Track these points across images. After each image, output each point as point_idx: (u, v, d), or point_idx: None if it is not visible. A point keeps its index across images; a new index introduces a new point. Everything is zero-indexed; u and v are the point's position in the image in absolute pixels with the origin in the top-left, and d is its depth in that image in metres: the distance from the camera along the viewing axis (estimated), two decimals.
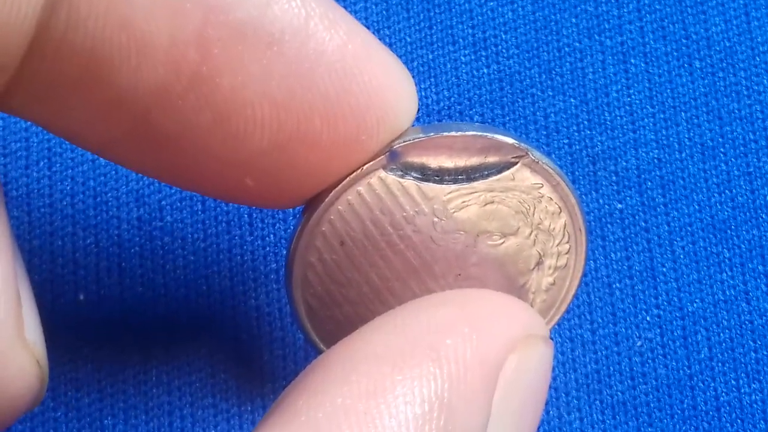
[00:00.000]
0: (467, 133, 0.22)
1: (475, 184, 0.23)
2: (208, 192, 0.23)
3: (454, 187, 0.23)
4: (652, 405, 0.27)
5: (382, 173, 0.22)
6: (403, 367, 0.19)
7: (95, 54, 0.19)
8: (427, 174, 0.23)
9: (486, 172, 0.23)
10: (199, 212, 0.27)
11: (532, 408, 0.21)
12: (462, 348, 0.19)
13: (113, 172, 0.27)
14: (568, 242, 0.24)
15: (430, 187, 0.23)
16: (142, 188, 0.27)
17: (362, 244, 0.23)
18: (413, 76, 0.27)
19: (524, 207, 0.23)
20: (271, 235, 0.27)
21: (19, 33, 0.19)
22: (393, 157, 0.22)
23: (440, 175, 0.23)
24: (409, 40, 0.28)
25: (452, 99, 0.28)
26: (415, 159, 0.23)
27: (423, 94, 0.28)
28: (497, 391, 0.19)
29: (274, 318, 0.27)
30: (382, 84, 0.21)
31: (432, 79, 0.28)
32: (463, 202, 0.23)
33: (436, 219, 0.23)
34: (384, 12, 0.28)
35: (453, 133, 0.22)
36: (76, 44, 0.19)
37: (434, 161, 0.23)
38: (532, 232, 0.24)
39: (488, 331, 0.20)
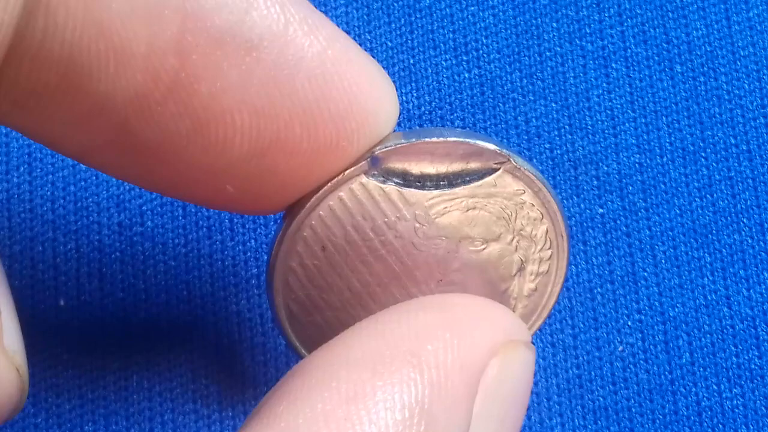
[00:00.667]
0: (449, 138, 0.22)
1: (457, 189, 0.23)
2: (188, 198, 0.23)
3: (435, 192, 0.23)
4: (633, 410, 0.27)
5: (363, 179, 0.22)
6: (383, 373, 0.19)
7: (73, 62, 0.19)
8: (408, 180, 0.23)
9: (468, 178, 0.23)
10: (180, 218, 0.27)
11: (514, 413, 0.21)
12: (443, 353, 0.19)
13: (93, 178, 0.27)
14: (550, 248, 0.24)
15: (412, 193, 0.23)
16: (123, 193, 0.27)
17: (343, 249, 0.23)
18: (394, 81, 0.27)
19: (506, 213, 0.23)
20: (252, 241, 0.27)
21: None
22: (374, 163, 0.22)
23: (422, 181, 0.23)
24: (390, 44, 0.28)
25: (433, 104, 0.28)
26: (397, 165, 0.23)
27: (404, 98, 0.28)
28: (478, 397, 0.19)
29: (255, 324, 0.27)
30: (363, 90, 0.20)
31: (413, 84, 0.28)
32: (445, 207, 0.23)
33: (417, 225, 0.23)
34: (365, 17, 0.28)
35: (434, 139, 0.22)
36: (54, 52, 0.19)
37: (416, 167, 0.23)
38: (514, 238, 0.24)
39: (469, 336, 0.20)
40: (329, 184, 0.22)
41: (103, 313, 0.27)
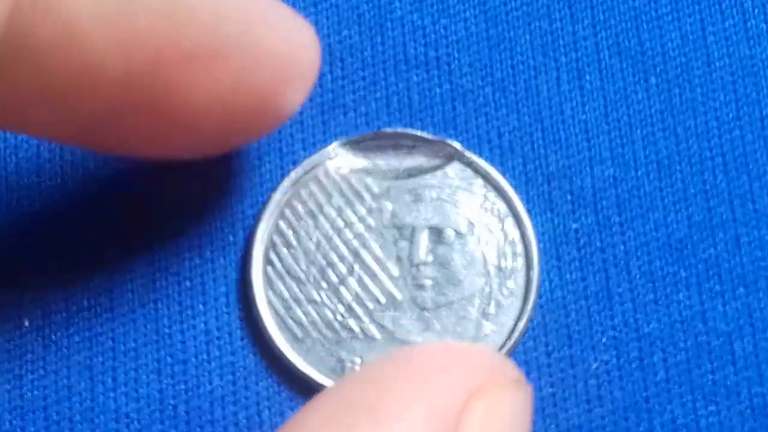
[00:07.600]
0: (397, 130, 0.26)
1: (416, 179, 0.25)
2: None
3: (397, 183, 0.25)
4: (608, 428, 0.26)
5: (326, 167, 0.25)
6: None
7: (50, 85, 0.19)
8: (369, 171, 0.25)
9: (423, 169, 0.26)
10: (150, 236, 0.27)
11: None
12: (407, 405, 0.18)
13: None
14: (514, 247, 0.26)
15: (375, 183, 0.25)
16: (100, 206, 0.27)
17: (317, 239, 0.25)
18: (365, 96, 0.27)
19: (468, 204, 0.26)
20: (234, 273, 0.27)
21: None
22: (335, 154, 0.25)
23: (382, 173, 0.25)
24: (360, 56, 0.28)
25: (404, 120, 0.27)
26: (356, 157, 0.26)
27: (375, 114, 0.27)
28: None
29: (223, 342, 0.26)
30: (307, 57, 0.22)
31: (384, 100, 0.27)
32: (407, 198, 0.25)
33: (383, 213, 0.25)
34: (336, 26, 0.28)
35: (386, 130, 0.26)
36: (32, 79, 0.19)
37: (374, 159, 0.26)
38: (477, 232, 0.25)
39: (438, 383, 0.19)
40: (293, 173, 0.25)
41: (69, 334, 0.26)
